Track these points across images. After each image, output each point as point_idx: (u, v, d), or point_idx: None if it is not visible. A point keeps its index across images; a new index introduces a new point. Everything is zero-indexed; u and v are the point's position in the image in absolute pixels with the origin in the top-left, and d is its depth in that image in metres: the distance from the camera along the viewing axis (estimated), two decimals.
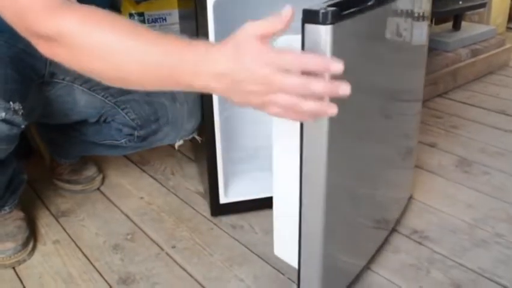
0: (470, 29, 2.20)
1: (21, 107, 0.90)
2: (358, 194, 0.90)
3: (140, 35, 0.66)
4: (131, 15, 1.68)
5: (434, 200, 1.24)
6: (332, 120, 0.69)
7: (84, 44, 0.66)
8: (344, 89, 0.58)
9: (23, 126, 0.92)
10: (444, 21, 2.27)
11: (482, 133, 1.59)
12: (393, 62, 0.92)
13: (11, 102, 0.88)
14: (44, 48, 0.69)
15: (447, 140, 1.56)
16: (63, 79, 1.08)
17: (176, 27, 1.66)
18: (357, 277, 0.97)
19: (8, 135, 0.90)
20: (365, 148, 0.89)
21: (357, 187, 0.89)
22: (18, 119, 0.90)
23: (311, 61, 0.59)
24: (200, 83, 0.64)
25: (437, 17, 2.14)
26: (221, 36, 0.72)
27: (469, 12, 2.28)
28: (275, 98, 0.61)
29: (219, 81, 0.62)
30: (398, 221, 1.14)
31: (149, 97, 1.08)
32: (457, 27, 2.16)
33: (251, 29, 0.60)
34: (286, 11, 0.59)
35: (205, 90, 0.65)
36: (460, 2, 2.02)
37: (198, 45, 0.64)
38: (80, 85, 1.09)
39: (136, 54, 0.65)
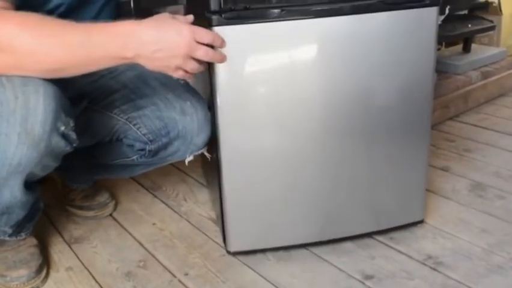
0: (480, 51, 2.20)
1: (73, 124, 0.92)
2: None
3: (72, 28, 0.82)
4: None
5: (448, 225, 1.23)
6: None
7: (26, 46, 0.79)
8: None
9: (75, 145, 0.93)
10: (454, 43, 2.27)
11: (496, 156, 1.58)
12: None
13: (68, 117, 0.90)
14: None
15: (460, 163, 1.55)
16: (80, 102, 1.10)
17: None
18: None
19: (63, 151, 0.92)
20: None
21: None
22: (73, 135, 0.92)
23: (213, 37, 0.91)
24: (130, 53, 0.85)
25: (447, 40, 2.15)
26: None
27: (478, 35, 2.29)
28: (186, 64, 0.89)
29: (145, 48, 0.85)
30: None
31: (160, 112, 1.10)
32: (466, 49, 2.16)
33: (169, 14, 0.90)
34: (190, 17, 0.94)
35: (134, 60, 0.86)
36: (469, 25, 2.03)
37: (122, 23, 0.85)
38: (94, 105, 1.11)
39: (72, 45, 0.82)
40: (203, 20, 0.96)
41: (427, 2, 1.04)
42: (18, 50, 0.80)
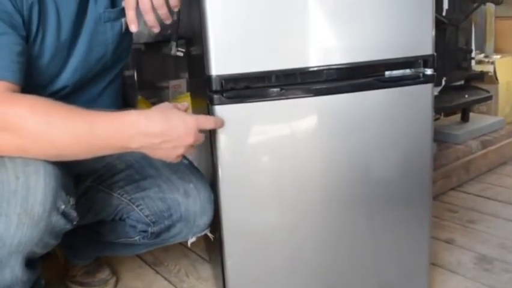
0: (479, 120, 2.24)
1: (74, 203, 0.92)
2: None
3: (79, 116, 0.84)
4: None
5: None
6: None
7: (33, 131, 0.81)
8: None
9: (75, 223, 0.93)
10: (453, 113, 2.31)
11: (501, 228, 1.57)
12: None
13: (69, 196, 0.90)
14: None
15: (465, 235, 1.54)
16: (84, 181, 1.11)
17: None
18: None
19: (63, 229, 0.91)
20: None
21: None
22: (73, 213, 0.91)
23: (215, 122, 0.95)
24: (135, 145, 0.86)
25: (444, 111, 2.19)
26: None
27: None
28: (187, 150, 0.91)
29: (151, 140, 0.86)
30: None
31: (163, 193, 1.10)
32: (465, 119, 2.20)
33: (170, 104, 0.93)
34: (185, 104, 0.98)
35: (138, 150, 0.88)
36: (466, 96, 2.08)
37: (128, 114, 0.86)
38: (99, 184, 1.12)
39: (78, 134, 0.83)
40: (203, 96, 0.99)
41: (422, 79, 1.07)
42: (25, 134, 0.81)
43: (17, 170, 0.83)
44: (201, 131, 0.92)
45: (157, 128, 0.87)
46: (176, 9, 1.04)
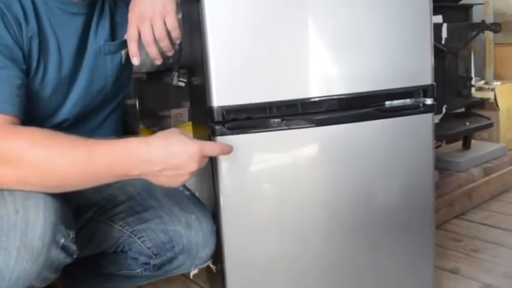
0: (480, 147, 2.23)
1: (75, 236, 0.91)
2: None
3: (81, 146, 0.84)
4: None
5: None
6: None
7: (34, 164, 0.81)
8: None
9: (75, 256, 0.92)
10: (454, 140, 2.31)
11: (505, 256, 1.55)
12: None
13: (68, 229, 0.89)
14: None
15: (469, 265, 1.52)
16: (86, 212, 1.11)
17: None
18: None
19: (62, 263, 0.90)
20: None
21: None
22: (73, 247, 0.90)
23: (222, 149, 0.94)
24: (136, 171, 0.86)
25: (446, 139, 2.19)
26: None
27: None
28: (191, 176, 0.89)
29: (152, 168, 0.85)
30: None
31: (165, 225, 1.10)
32: (467, 146, 2.20)
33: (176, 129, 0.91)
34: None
35: (139, 176, 0.87)
36: (467, 123, 2.08)
37: (129, 141, 0.86)
38: (100, 216, 1.12)
39: (79, 165, 0.83)
40: (205, 126, 0.99)
41: (422, 109, 1.08)
42: (26, 166, 0.82)
43: (17, 204, 0.83)
44: (205, 156, 0.90)
45: (158, 155, 0.86)
46: (178, 41, 1.04)
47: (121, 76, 1.12)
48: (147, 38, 0.99)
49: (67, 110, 1.03)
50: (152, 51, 1.01)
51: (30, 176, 0.82)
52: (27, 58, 0.93)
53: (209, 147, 0.91)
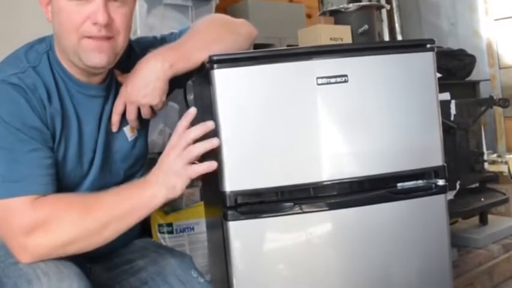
0: (498, 222, 2.19)
1: None
2: None
3: (103, 199, 0.95)
4: (160, 226, 1.73)
5: None
6: None
7: (67, 232, 0.90)
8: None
9: None
10: (471, 215, 2.27)
11: None
12: None
13: None
14: (28, 244, 0.89)
15: None
16: (100, 273, 1.11)
17: (204, 236, 1.69)
18: None
19: None
20: None
21: None
22: None
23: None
24: (159, 199, 0.96)
25: (461, 216, 2.15)
26: None
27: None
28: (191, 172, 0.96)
29: (162, 186, 0.96)
30: None
31: None
32: (484, 221, 2.16)
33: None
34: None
35: (164, 199, 0.96)
36: (482, 199, 2.05)
37: (140, 180, 0.99)
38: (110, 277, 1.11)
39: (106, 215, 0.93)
40: (217, 208, 0.99)
41: (434, 190, 1.07)
42: (58, 233, 0.90)
43: (52, 285, 0.85)
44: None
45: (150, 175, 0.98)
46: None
47: (131, 154, 1.13)
48: (130, 116, 1.06)
49: (85, 189, 1.05)
50: (133, 125, 1.09)
51: (62, 243, 0.90)
52: (51, 133, 0.97)
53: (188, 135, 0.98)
